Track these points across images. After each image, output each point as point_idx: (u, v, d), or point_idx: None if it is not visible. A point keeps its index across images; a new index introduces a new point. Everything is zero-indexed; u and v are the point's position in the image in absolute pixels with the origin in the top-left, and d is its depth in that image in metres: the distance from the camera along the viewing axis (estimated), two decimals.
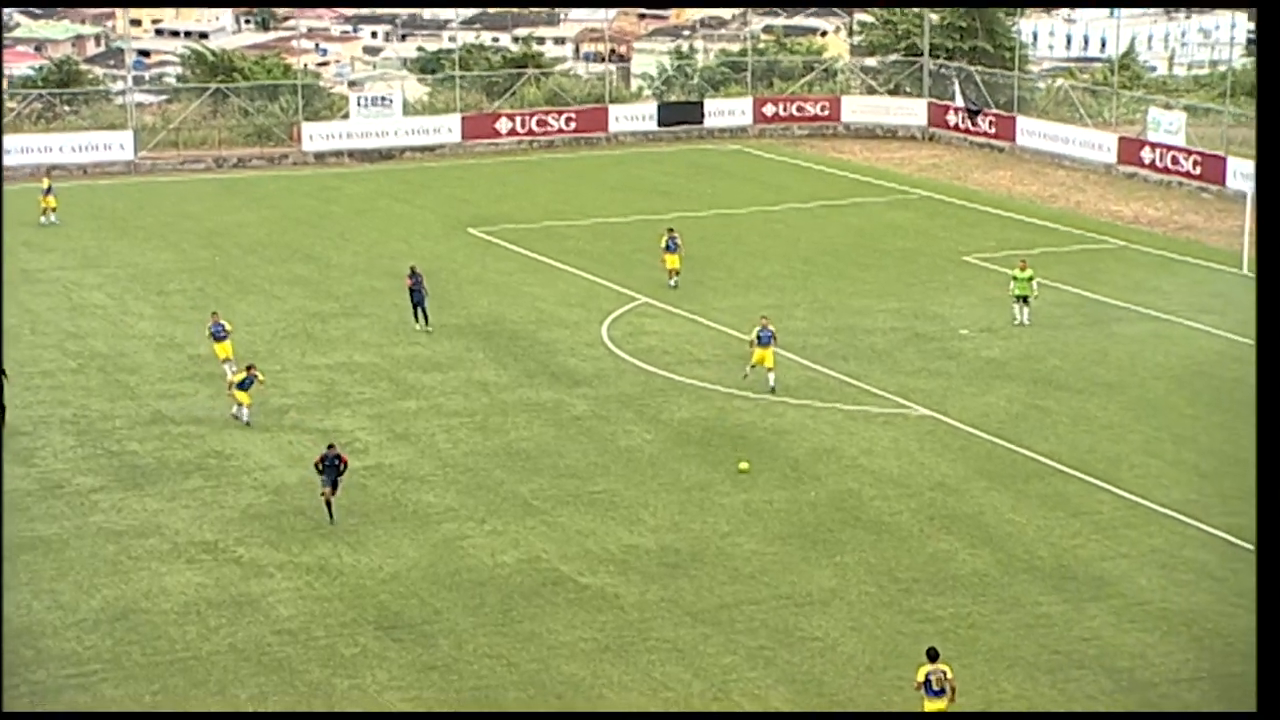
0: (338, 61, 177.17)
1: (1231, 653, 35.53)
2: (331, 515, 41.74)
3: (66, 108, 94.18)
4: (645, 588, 38.46)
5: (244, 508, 43.06)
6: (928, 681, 31.58)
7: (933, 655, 32.04)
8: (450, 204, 79.89)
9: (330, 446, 42.16)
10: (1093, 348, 56.81)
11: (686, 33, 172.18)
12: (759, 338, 51.19)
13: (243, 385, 48.45)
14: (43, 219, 74.33)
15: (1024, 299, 58.66)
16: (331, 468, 41.68)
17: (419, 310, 58.11)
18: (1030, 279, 58.64)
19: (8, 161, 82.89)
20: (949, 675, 31.68)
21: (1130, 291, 63.88)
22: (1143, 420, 49.77)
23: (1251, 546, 40.68)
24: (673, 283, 63.20)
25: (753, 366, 51.18)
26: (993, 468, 45.88)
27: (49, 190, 75.51)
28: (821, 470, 45.56)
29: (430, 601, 37.78)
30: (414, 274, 58.34)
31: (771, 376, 50.84)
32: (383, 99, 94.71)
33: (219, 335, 52.28)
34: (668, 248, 63.70)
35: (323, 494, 41.84)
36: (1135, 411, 50.51)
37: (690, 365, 54.59)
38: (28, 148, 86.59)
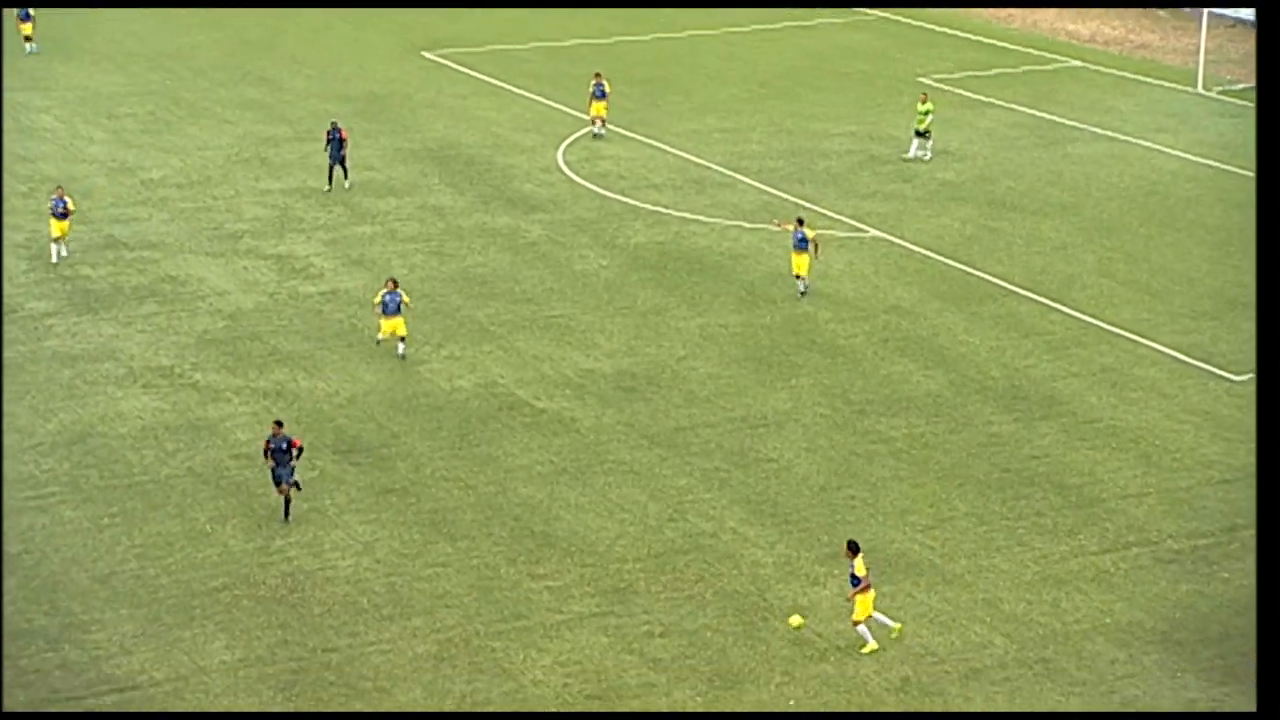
0: None
1: (1178, 468, 36.06)
2: (287, 513, 33.78)
3: None
4: (601, 411, 38.74)
5: (200, 333, 43.04)
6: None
7: (855, 548, 29.71)
8: (403, 27, 78.94)
9: (278, 425, 34.09)
10: (1047, 169, 56.86)
11: None
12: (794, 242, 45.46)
13: (389, 309, 41.37)
14: (27, 47, 72.80)
15: (919, 133, 57.59)
16: (281, 452, 33.50)
17: (337, 168, 53.77)
18: (927, 113, 57.45)
19: None
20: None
21: (1085, 111, 63.80)
22: (1095, 240, 50.00)
23: (1201, 364, 41.21)
24: (596, 130, 59.80)
25: (797, 277, 45.46)
26: (947, 290, 46.12)
27: (27, 16, 72.95)
28: (777, 294, 45.71)
29: (387, 426, 37.99)
30: (334, 129, 53.98)
31: (802, 283, 45.44)
32: None
33: (58, 212, 47.35)
34: (594, 94, 59.90)
35: (281, 491, 33.66)
36: (1088, 232, 50.71)
37: (646, 190, 54.47)
38: None
